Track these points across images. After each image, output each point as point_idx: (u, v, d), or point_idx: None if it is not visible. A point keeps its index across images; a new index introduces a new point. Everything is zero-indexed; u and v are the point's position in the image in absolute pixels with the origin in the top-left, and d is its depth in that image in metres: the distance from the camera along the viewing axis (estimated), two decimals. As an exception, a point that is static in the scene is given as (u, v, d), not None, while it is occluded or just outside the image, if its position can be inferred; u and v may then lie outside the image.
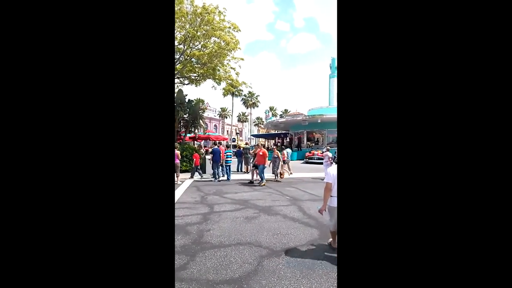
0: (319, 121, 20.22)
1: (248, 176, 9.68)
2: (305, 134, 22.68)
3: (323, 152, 10.56)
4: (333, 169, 2.75)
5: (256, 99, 48.07)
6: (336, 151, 6.01)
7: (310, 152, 17.14)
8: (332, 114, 20.44)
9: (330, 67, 26.81)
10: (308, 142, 22.57)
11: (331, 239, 2.98)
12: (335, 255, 2.66)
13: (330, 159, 9.70)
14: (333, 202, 2.69)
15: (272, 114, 31.13)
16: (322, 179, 8.99)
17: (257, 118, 57.04)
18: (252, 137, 44.56)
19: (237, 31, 11.34)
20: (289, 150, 10.93)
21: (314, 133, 22.63)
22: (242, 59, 12.07)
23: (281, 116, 35.40)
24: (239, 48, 11.45)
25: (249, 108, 50.15)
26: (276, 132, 29.77)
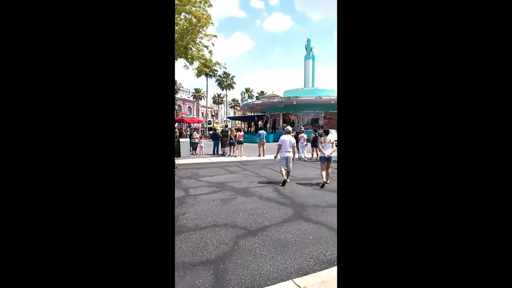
0: (294, 103, 20.42)
1: (225, 159, 9.68)
2: (281, 116, 22.87)
3: (297, 133, 10.80)
4: (284, 137, 5.41)
5: (232, 80, 46.89)
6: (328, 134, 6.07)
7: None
8: (307, 96, 20.71)
9: (306, 48, 26.73)
10: (283, 124, 22.85)
11: (285, 178, 5.27)
12: (310, 230, 2.79)
13: (306, 140, 10.02)
14: (283, 154, 5.30)
15: (248, 96, 30.71)
16: (299, 158, 9.39)
17: (233, 100, 56.04)
18: (228, 119, 43.99)
19: (208, 6, 10.67)
20: (262, 131, 11.00)
21: (290, 115, 22.89)
22: (215, 36, 11.53)
23: (257, 98, 35.10)
24: (211, 23, 10.86)
25: (224, 90, 48.92)
26: (252, 114, 29.63)
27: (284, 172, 5.24)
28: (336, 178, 6.23)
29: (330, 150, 5.21)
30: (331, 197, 4.26)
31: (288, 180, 5.31)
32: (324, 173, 5.17)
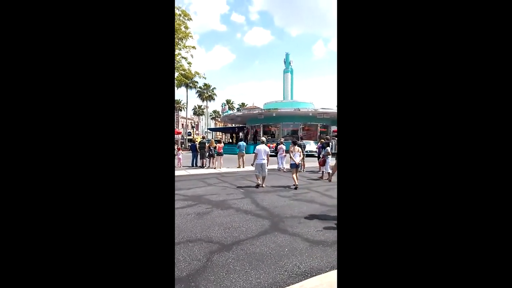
0: (274, 114, 20.76)
1: (204, 171, 9.48)
2: (261, 128, 23.09)
3: (277, 144, 10.91)
4: (259, 146, 6.29)
5: (212, 91, 46.89)
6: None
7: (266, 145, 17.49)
8: (287, 108, 21.18)
9: (284, 62, 27.60)
10: (264, 136, 23.08)
11: (259, 182, 6.20)
12: (285, 242, 2.77)
13: (284, 151, 10.13)
14: (258, 161, 6.09)
15: (229, 107, 30.76)
16: (278, 169, 9.56)
17: (214, 112, 55.84)
18: (209, 130, 43.52)
19: (188, 19, 10.75)
20: (242, 143, 11.00)
21: (270, 127, 23.19)
22: (194, 47, 11.55)
23: (238, 109, 35.27)
24: (190, 36, 10.91)
25: (205, 101, 48.70)
26: (233, 125, 29.64)
27: (259, 177, 6.18)
28: (307, 186, 6.54)
29: (298, 158, 6.28)
30: (309, 208, 4.29)
31: (263, 185, 6.17)
32: (295, 176, 6.09)
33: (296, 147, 6.35)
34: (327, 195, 5.34)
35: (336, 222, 3.49)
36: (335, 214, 3.92)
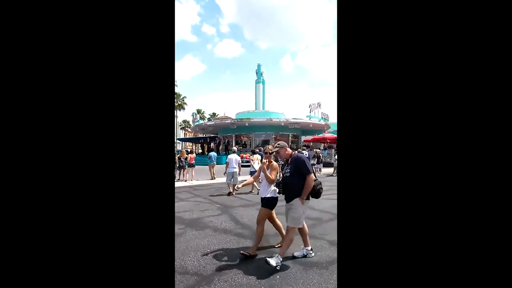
0: (246, 124, 20.57)
1: (176, 184, 8.74)
2: (233, 138, 22.68)
3: (251, 155, 10.62)
4: (231, 156, 6.95)
5: (183, 100, 45.42)
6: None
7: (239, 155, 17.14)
8: (259, 118, 21.18)
9: (256, 73, 27.89)
10: (236, 146, 22.69)
11: (230, 190, 6.53)
12: (275, 266, 2.38)
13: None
14: (230, 170, 6.62)
15: (200, 117, 29.82)
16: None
17: (184, 121, 54.06)
18: (178, 141, 41.83)
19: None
20: (213, 153, 10.46)
21: (242, 137, 22.89)
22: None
23: (209, 119, 34.40)
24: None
25: (175, 111, 46.97)
26: (204, 135, 28.72)
27: (230, 185, 6.60)
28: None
29: (257, 166, 6.43)
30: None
31: (233, 193, 6.46)
32: (256, 183, 6.25)
33: (256, 156, 6.87)
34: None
35: (326, 238, 3.22)
36: (320, 228, 3.65)
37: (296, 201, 2.51)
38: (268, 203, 2.75)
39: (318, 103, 21.90)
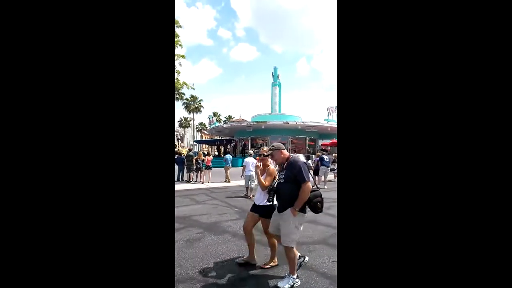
0: (263, 127, 20.45)
1: (191, 186, 8.79)
2: (249, 140, 22.65)
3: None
4: (248, 159, 6.94)
5: (199, 103, 46.32)
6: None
7: (256, 158, 17.05)
8: (275, 121, 20.99)
9: (272, 76, 27.79)
10: (252, 148, 22.65)
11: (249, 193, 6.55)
12: (300, 278, 2.20)
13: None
14: (247, 173, 6.66)
15: (216, 119, 30.11)
16: None
17: (200, 124, 55.00)
18: (195, 143, 42.56)
19: (177, 26, 10.35)
20: (229, 156, 10.41)
21: (258, 139, 22.79)
22: (183, 56, 11.05)
23: (225, 122, 34.69)
24: (180, 45, 10.46)
25: (191, 113, 47.89)
26: (220, 138, 28.97)
27: (249, 188, 6.68)
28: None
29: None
30: (315, 231, 3.77)
31: (250, 196, 6.40)
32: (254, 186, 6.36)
33: (251, 158, 6.99)
34: (330, 215, 4.83)
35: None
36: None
37: (288, 213, 2.14)
38: (264, 211, 2.48)
39: (336, 106, 21.39)
